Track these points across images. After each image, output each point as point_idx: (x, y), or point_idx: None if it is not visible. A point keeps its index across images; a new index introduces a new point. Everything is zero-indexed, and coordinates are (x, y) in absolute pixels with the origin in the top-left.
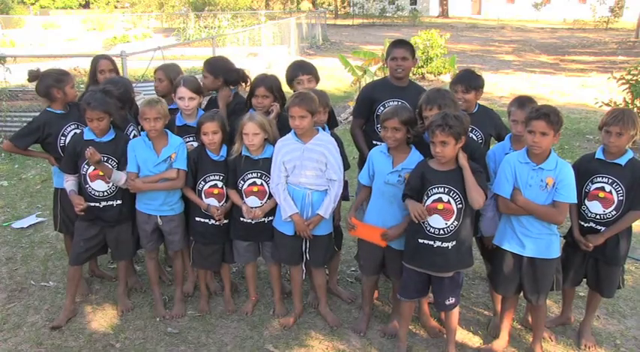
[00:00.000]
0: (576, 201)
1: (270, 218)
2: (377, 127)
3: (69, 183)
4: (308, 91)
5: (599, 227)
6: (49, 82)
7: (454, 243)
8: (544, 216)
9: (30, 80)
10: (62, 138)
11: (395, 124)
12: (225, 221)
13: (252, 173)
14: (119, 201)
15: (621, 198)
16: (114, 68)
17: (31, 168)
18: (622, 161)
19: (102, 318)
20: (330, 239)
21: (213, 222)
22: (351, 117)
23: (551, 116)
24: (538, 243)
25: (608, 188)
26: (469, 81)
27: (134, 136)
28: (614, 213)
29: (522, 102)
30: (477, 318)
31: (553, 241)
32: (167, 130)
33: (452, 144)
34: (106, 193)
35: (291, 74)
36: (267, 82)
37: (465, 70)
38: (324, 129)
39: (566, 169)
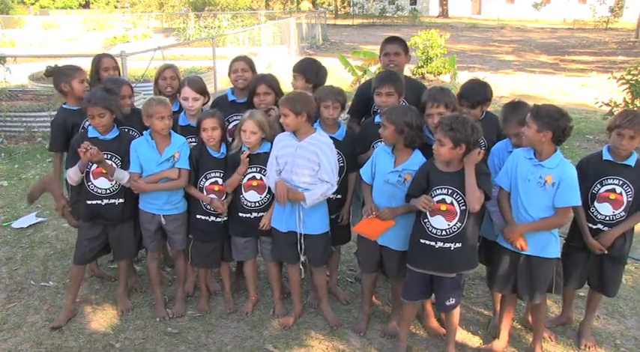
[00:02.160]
0: (580, 203)
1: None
2: None
3: (71, 169)
4: (302, 92)
5: (606, 228)
6: (58, 77)
7: (457, 244)
8: (547, 227)
9: (47, 75)
10: (82, 131)
11: (383, 121)
12: (225, 218)
13: (251, 168)
14: (121, 200)
15: (630, 199)
16: (117, 66)
17: (30, 168)
18: (631, 162)
19: (102, 318)
20: (326, 238)
21: (214, 219)
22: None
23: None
24: (535, 241)
25: (618, 190)
26: (474, 96)
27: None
28: (623, 214)
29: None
30: (477, 318)
31: (551, 241)
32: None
33: (448, 147)
34: (108, 191)
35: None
36: (268, 79)
37: (472, 82)
38: (338, 126)
39: (568, 170)
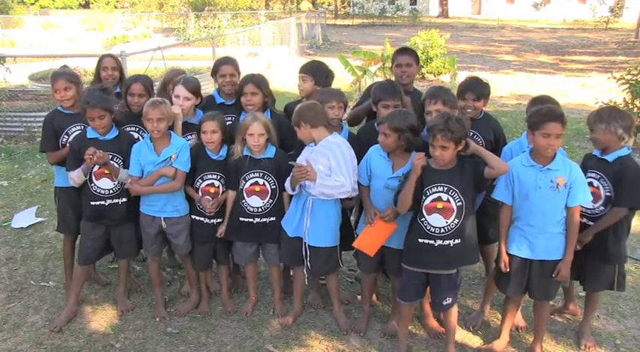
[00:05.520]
0: (592, 198)
1: (272, 219)
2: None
3: (74, 172)
4: (298, 107)
5: (590, 222)
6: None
7: (457, 241)
8: (575, 234)
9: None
10: (65, 136)
11: (384, 129)
12: (219, 219)
13: (254, 173)
14: (124, 199)
15: (608, 193)
16: (117, 66)
17: (30, 168)
18: (610, 157)
19: (102, 318)
20: (329, 252)
21: (207, 220)
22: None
23: (563, 118)
24: (548, 243)
25: (596, 183)
26: (480, 89)
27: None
28: (602, 208)
29: (543, 102)
30: None
31: (563, 242)
32: (171, 131)
33: (452, 149)
34: (111, 191)
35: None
36: (255, 78)
37: (473, 78)
38: (341, 127)
39: (575, 168)
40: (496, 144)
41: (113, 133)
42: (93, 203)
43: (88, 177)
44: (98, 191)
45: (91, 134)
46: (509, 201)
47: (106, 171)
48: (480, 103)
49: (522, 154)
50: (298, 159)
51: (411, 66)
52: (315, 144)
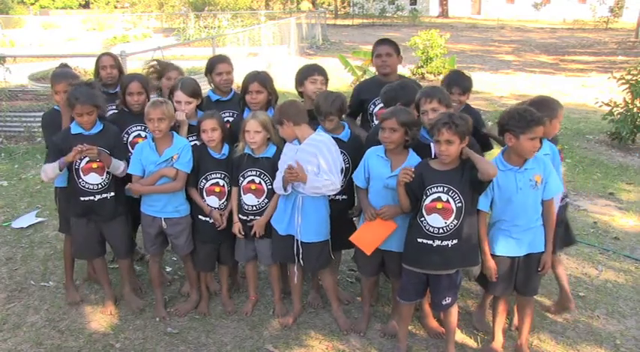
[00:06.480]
0: (564, 189)
1: None
2: (372, 125)
3: (49, 165)
4: (282, 104)
5: None
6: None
7: (455, 241)
8: (553, 226)
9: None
10: (64, 129)
11: (392, 125)
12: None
13: (251, 171)
14: (112, 193)
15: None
16: (115, 64)
17: (30, 168)
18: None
19: (102, 318)
20: (322, 246)
21: (213, 220)
22: None
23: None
24: (532, 237)
25: None
26: (465, 83)
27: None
28: None
29: (543, 103)
30: None
31: (543, 232)
32: (173, 132)
33: (457, 144)
34: (99, 186)
35: (304, 73)
36: (260, 77)
37: (456, 72)
38: (342, 127)
39: (548, 164)
40: (474, 135)
41: (97, 128)
42: (82, 199)
43: (63, 171)
44: (86, 186)
45: (75, 129)
46: (487, 208)
47: (94, 166)
48: (464, 97)
49: (495, 159)
50: (283, 158)
51: (391, 56)
52: (300, 143)
